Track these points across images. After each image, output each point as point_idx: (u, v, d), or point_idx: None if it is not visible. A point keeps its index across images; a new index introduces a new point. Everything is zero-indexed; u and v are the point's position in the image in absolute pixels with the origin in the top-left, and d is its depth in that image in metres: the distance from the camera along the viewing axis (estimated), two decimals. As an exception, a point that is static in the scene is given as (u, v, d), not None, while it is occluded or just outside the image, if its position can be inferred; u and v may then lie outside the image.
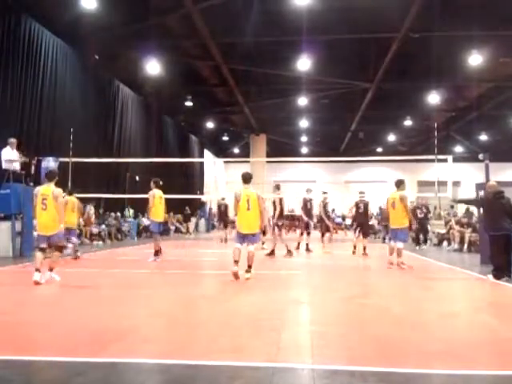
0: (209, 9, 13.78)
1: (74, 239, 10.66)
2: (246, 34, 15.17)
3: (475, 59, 16.71)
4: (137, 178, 19.95)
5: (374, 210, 21.12)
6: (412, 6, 13.24)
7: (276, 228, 11.68)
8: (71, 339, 3.96)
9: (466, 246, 13.49)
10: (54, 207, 6.96)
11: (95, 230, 15.89)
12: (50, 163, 12.40)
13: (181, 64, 19.33)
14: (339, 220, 28.57)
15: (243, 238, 7.62)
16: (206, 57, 17.92)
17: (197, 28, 14.97)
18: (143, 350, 3.65)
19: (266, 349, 3.64)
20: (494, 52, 16.76)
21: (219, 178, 35.84)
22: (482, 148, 26.77)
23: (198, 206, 26.98)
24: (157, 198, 10.29)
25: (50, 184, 7.15)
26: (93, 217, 15.97)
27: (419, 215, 14.71)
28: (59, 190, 7.17)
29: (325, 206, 13.73)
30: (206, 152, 33.85)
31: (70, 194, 10.64)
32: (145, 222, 19.05)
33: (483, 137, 31.49)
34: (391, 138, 32.40)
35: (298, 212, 16.07)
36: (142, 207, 16.99)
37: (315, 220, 15.55)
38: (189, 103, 23.53)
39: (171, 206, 17.31)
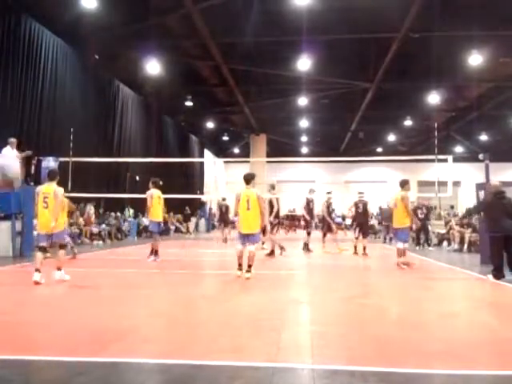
0: (209, 9, 13.79)
1: (67, 238, 10.64)
2: (245, 34, 15.17)
3: (475, 59, 16.71)
4: (137, 177, 19.97)
5: (373, 209, 21.11)
6: (412, 6, 13.25)
7: (269, 226, 11.53)
8: (71, 339, 3.95)
9: (466, 246, 13.50)
10: (56, 206, 6.96)
11: (95, 230, 15.88)
12: (50, 163, 12.36)
13: (181, 64, 19.34)
14: (339, 220, 28.56)
15: (244, 238, 7.62)
16: (206, 57, 17.93)
17: (197, 28, 14.98)
18: (143, 350, 3.64)
19: (265, 349, 3.64)
20: (493, 52, 16.76)
21: (219, 177, 35.85)
22: (482, 148, 26.78)
23: (198, 206, 26.97)
24: (155, 198, 10.25)
25: (51, 183, 7.17)
26: (93, 216, 15.99)
27: (420, 215, 14.70)
28: (61, 189, 7.19)
29: (328, 206, 13.58)
30: (206, 152, 33.84)
31: None
32: (145, 221, 19.03)
33: (483, 137, 31.49)
34: (391, 137, 32.40)
35: (299, 212, 16.06)
36: (141, 207, 16.94)
37: (317, 220, 15.52)
38: (189, 103, 23.53)
39: (171, 205, 17.34)
